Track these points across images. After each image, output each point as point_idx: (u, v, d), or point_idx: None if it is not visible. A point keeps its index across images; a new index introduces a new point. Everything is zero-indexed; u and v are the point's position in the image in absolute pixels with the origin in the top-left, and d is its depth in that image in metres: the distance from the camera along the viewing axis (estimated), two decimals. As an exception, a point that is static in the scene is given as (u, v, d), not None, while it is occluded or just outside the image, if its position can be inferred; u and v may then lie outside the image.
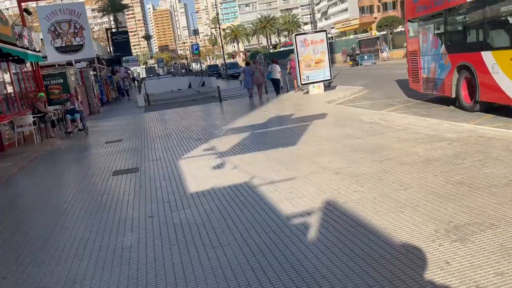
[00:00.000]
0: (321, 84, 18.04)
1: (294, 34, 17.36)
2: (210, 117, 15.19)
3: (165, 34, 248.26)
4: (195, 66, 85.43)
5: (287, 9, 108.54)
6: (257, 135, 10.05)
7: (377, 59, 39.82)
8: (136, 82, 56.14)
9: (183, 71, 77.60)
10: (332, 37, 77.91)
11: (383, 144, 7.44)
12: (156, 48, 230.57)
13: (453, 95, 10.88)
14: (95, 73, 26.90)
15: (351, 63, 39.51)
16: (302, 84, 17.76)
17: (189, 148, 9.63)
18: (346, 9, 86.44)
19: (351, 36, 62.31)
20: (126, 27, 64.38)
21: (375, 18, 68.73)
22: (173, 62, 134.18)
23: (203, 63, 72.38)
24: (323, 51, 17.69)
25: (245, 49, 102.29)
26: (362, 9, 71.42)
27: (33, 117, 13.42)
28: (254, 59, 26.02)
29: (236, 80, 42.20)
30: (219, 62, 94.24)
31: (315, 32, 17.73)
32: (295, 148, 8.06)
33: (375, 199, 4.85)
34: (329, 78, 17.96)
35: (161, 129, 13.43)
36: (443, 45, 11.07)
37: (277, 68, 21.07)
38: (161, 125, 14.48)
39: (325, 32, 17.67)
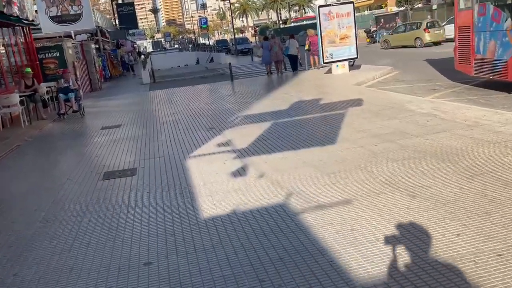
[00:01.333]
0: (346, 63, 16.01)
1: (318, 6, 15.29)
2: (222, 99, 13.30)
3: (172, 8, 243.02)
4: (202, 41, 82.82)
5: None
6: (282, 126, 8.19)
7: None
8: (142, 56, 53.97)
9: (190, 46, 75.00)
10: (344, 13, 74.69)
11: (458, 147, 5.58)
12: (163, 22, 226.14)
13: (520, 81, 8.93)
14: (97, 46, 24.90)
15: (368, 40, 37.13)
16: (325, 63, 15.75)
17: (200, 141, 7.81)
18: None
19: (366, 12, 59.34)
20: (132, -1, 61.77)
21: (391, -7, 65.39)
22: (181, 36, 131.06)
23: (211, 38, 69.90)
24: (349, 26, 15.60)
25: (254, 24, 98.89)
26: (377, -16, 67.99)
27: (20, 96, 11.61)
28: (271, 34, 23.49)
29: (246, 56, 40.06)
30: (227, 37, 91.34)
31: (341, 3, 15.60)
32: (337, 148, 6.21)
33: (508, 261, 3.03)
34: (355, 56, 15.91)
35: (166, 113, 11.60)
36: (509, 19, 9.03)
37: (295, 43, 19.22)
38: (167, 108, 12.63)
39: (352, 4, 15.54)
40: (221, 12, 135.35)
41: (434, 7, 33.08)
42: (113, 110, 13.56)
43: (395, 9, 51.46)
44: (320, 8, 15.22)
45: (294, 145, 6.65)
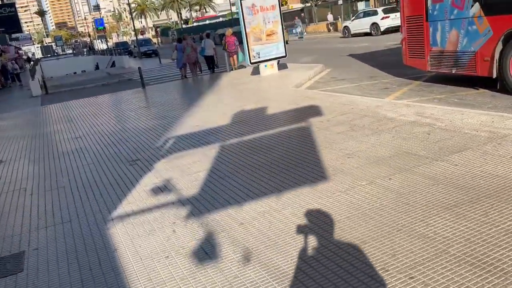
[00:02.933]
0: (275, 62, 14.24)
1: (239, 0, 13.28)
2: (139, 113, 10.71)
3: (62, 10, 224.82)
4: (100, 44, 76.64)
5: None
6: (237, 150, 6.05)
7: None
8: (31, 63, 47.60)
9: (85, 50, 68.74)
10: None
11: (502, 175, 3.92)
12: (52, 26, 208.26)
13: (494, 75, 7.75)
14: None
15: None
16: (252, 63, 13.80)
17: (123, 184, 5.36)
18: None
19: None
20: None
21: (290, -9, 65.85)
22: (74, 40, 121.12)
23: (108, 40, 64.45)
24: (275, 21, 13.82)
25: (154, 25, 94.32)
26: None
27: None
28: (185, 35, 21.42)
29: (151, 59, 36.91)
30: (127, 39, 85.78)
31: (264, -6, 13.78)
32: (336, 189, 4.24)
33: None
34: (284, 54, 14.20)
35: (67, 138, 8.77)
36: (477, 3, 7.81)
37: (211, 43, 17.49)
38: (66, 129, 9.75)
39: (277, -4, 13.81)
40: (116, 14, 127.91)
41: (340, 2, 32.94)
42: (-9, 136, 10.28)
43: (296, 6, 51.59)
44: (242, 2, 13.21)
45: (270, 186, 4.55)
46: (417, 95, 8.55)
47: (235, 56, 17.12)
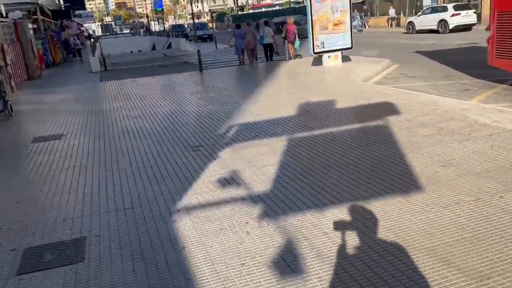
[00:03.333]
0: (339, 54, 13.52)
1: (308, -16, 12.64)
2: (197, 97, 10.40)
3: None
4: (155, 26, 77.86)
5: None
6: (308, 145, 5.54)
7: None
8: (91, 40, 48.98)
9: (141, 31, 69.95)
10: (303, 1, 72.57)
11: None
12: (112, 5, 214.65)
13: None
14: (35, 26, 20.92)
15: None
16: (315, 53, 13.16)
17: (186, 172, 4.99)
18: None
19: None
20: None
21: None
22: (132, 20, 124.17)
23: (164, 22, 65.24)
24: (344, 10, 13.07)
25: (209, 10, 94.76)
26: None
27: None
28: (248, 21, 20.93)
29: (207, 43, 36.84)
30: (182, 22, 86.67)
31: (335, -18, 13.04)
32: (431, 203, 3.63)
33: None
34: (350, 45, 13.45)
35: (125, 116, 8.58)
36: None
37: (270, 31, 17.05)
38: (125, 107, 9.59)
39: (348, -17, 13.04)
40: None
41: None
42: (53, 109, 10.29)
43: (356, -2, 49.86)
44: (312, -13, 12.59)
45: (353, 191, 4.01)
46: (506, 99, 7.65)
47: (292, 45, 16.72)
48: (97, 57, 20.32)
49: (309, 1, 12.69)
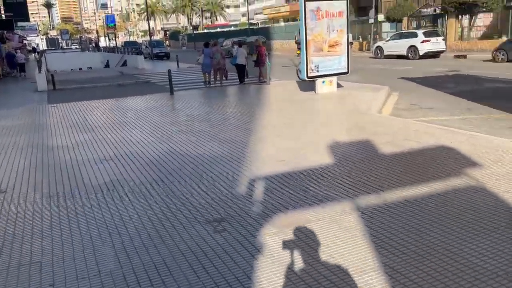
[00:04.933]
0: (334, 79, 11.84)
1: (303, 0, 10.88)
2: (184, 129, 8.19)
3: (69, 4, 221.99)
4: (105, 42, 73.94)
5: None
6: (388, 221, 3.59)
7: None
8: (37, 54, 44.81)
9: (90, 46, 65.93)
10: (257, 23, 72.06)
11: None
12: (58, 19, 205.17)
13: None
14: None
15: (298, 51, 33.86)
16: (308, 77, 11.37)
17: None
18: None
19: (282, 23, 56.72)
20: (22, -13, 51.83)
21: (306, 6, 63.91)
22: (79, 35, 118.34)
23: (111, 40, 61.34)
24: (341, 29, 11.44)
25: (162, 28, 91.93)
26: (293, -4, 66.10)
27: None
28: (215, 40, 19.84)
29: (164, 62, 34.42)
30: (133, 39, 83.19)
31: (333, -2, 11.43)
32: None
33: None
34: (346, 70, 11.81)
35: (91, 159, 6.24)
36: None
37: (244, 52, 15.94)
38: (87, 142, 7.21)
39: (346, 0, 11.44)
40: (124, 13, 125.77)
41: (371, 21, 30.80)
42: (-14, 142, 7.68)
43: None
44: (307, 3, 10.83)
45: None
46: None
47: (262, 68, 15.68)
48: (43, 73, 17.48)
49: (303, 19, 10.93)
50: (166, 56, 37.99)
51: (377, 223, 3.64)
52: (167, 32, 77.37)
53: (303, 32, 11.04)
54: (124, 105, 11.70)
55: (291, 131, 7.30)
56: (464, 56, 23.07)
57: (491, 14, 27.59)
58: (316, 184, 4.63)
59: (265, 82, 15.02)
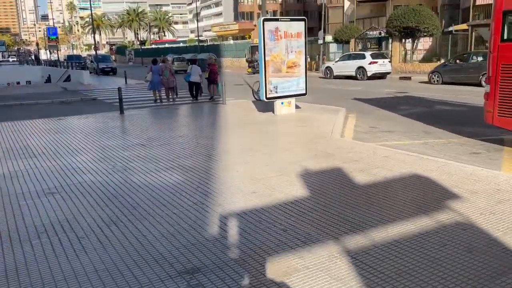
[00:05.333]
0: (292, 100, 11.62)
1: (261, 19, 10.61)
2: (137, 154, 7.51)
3: (6, 15, 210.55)
4: (45, 55, 70.39)
5: (157, 4, 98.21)
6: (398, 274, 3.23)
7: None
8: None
9: (30, 59, 62.41)
10: (206, 40, 71.88)
11: None
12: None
13: None
14: None
15: (249, 70, 33.90)
16: (267, 98, 11.06)
17: None
18: (221, 13, 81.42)
19: (231, 42, 56.85)
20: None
21: (255, 25, 64.60)
22: (17, 48, 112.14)
23: (53, 52, 58.33)
24: (299, 51, 11.27)
25: (107, 42, 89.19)
26: (242, 15, 66.54)
27: None
28: (164, 57, 19.49)
29: (111, 78, 33.06)
30: (77, 52, 79.90)
31: (291, 19, 11.23)
32: None
33: None
34: (304, 91, 11.64)
35: (31, 190, 5.43)
36: None
37: (198, 69, 15.86)
38: (27, 172, 6.35)
39: (304, 22, 11.32)
40: (67, 26, 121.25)
41: (320, 41, 31.42)
42: None
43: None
44: (265, 23, 10.58)
45: None
46: (541, 170, 6.21)
47: (215, 85, 15.82)
48: (-24, 89, 15.94)
49: (261, 39, 10.66)
50: (112, 72, 36.58)
51: (368, 269, 3.26)
52: (113, 47, 75.12)
53: (261, 52, 10.75)
54: (70, 125, 10.75)
55: (256, 157, 6.87)
56: (409, 78, 23.97)
57: (431, 38, 29.11)
58: (295, 222, 4.21)
59: (218, 99, 14.85)
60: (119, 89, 12.49)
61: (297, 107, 12.14)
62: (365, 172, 5.78)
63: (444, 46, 29.51)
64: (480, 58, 19.28)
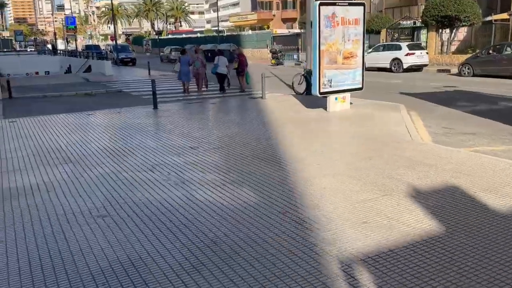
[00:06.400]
0: (347, 95, 10.33)
1: (317, 3, 9.29)
2: (191, 160, 6.35)
3: (23, 5, 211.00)
4: (61, 45, 69.74)
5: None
6: None
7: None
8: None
9: (46, 48, 61.77)
10: (223, 30, 70.47)
11: None
12: (11, 20, 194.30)
13: None
14: None
15: (273, 61, 32.49)
16: (321, 93, 9.78)
17: None
18: (238, 3, 79.79)
19: (250, 31, 55.33)
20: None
21: (274, 15, 62.91)
22: (33, 37, 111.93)
23: (70, 42, 57.48)
24: (356, 39, 9.95)
25: (123, 32, 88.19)
26: (260, 4, 64.81)
27: None
28: (196, 46, 18.61)
29: (131, 68, 32.04)
30: (93, 42, 79.15)
31: (349, 3, 9.90)
32: None
33: None
34: (360, 85, 10.33)
35: (77, 211, 4.29)
36: None
37: (225, 61, 14.98)
38: (66, 183, 5.22)
39: (363, 7, 9.98)
40: (82, 16, 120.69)
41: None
42: None
43: (280, 31, 48.42)
44: (322, 7, 9.28)
45: None
46: None
47: (243, 77, 15.06)
48: (-3, 79, 14.96)
49: (317, 26, 9.34)
50: (132, 62, 35.52)
51: None
52: (130, 37, 74.09)
53: (316, 40, 9.44)
54: (101, 122, 9.63)
55: (335, 166, 5.64)
56: (448, 71, 22.40)
57: (465, 29, 27.37)
58: (458, 278, 2.98)
59: (252, 92, 14.24)
60: (153, 82, 11.30)
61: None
62: (493, 193, 4.52)
63: (480, 36, 27.75)
64: (514, 50, 18.02)
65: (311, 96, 12.87)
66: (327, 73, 9.69)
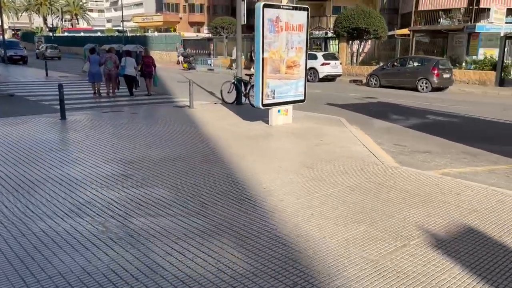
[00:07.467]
0: (290, 108, 9.39)
1: (261, 3, 8.15)
2: (116, 189, 4.78)
3: None
4: None
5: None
6: None
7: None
8: None
9: None
10: (126, 31, 66.46)
11: None
12: None
13: None
14: None
15: (185, 65, 30.86)
16: (264, 105, 8.68)
17: None
18: (141, 3, 76.08)
19: (155, 33, 52.59)
20: None
21: (181, 18, 60.71)
22: None
23: None
24: (299, 47, 9.06)
25: (10, 27, 78.58)
26: (167, 6, 62.05)
27: None
28: (111, 46, 16.40)
29: (22, 67, 28.03)
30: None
31: (293, 7, 8.93)
32: None
33: None
34: (303, 97, 9.46)
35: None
36: None
37: (133, 62, 14.04)
38: None
39: (307, 11, 9.09)
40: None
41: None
42: None
43: (187, 34, 46.77)
44: (265, 9, 8.20)
45: None
46: None
47: (150, 80, 14.40)
48: None
49: (260, 30, 8.25)
50: (23, 60, 31.22)
51: None
52: (19, 32, 66.15)
53: (259, 47, 8.35)
54: (-9, 137, 7.44)
55: (323, 204, 4.58)
56: (360, 81, 23.00)
57: (369, 42, 28.62)
58: None
59: (150, 95, 14.23)
60: (60, 86, 9.22)
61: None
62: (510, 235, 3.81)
63: (382, 50, 29.26)
64: (416, 63, 19.11)
65: (242, 106, 11.82)
66: (270, 83, 8.66)
